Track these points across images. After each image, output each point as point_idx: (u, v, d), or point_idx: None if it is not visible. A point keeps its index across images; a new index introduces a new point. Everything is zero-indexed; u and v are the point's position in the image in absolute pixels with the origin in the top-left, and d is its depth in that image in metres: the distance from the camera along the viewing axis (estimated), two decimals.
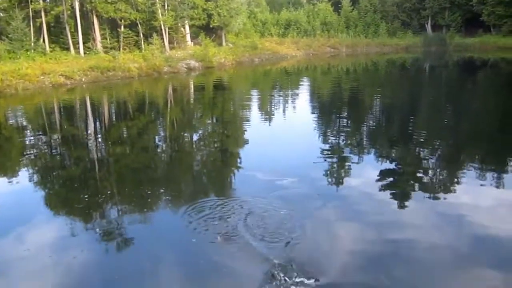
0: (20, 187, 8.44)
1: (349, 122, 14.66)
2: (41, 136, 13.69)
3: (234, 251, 5.42)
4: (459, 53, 41.79)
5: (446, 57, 40.14)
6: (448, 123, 13.80)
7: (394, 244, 5.56)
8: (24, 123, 16.64)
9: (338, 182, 8.13)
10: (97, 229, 6.22)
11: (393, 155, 10.12)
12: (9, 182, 8.92)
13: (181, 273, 5.17)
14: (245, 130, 13.51)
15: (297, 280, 4.62)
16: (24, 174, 9.51)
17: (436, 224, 6.10)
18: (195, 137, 13.32)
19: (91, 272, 5.22)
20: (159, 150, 11.92)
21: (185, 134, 13.81)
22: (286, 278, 4.65)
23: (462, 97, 18.40)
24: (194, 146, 12.19)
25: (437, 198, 7.09)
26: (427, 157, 9.65)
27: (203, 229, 5.94)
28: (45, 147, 12.20)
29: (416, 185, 7.69)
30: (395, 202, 6.98)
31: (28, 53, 29.09)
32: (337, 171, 8.81)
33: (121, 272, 5.20)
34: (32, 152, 11.59)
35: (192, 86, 26.61)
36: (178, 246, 5.77)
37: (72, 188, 8.47)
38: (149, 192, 7.67)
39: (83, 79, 26.59)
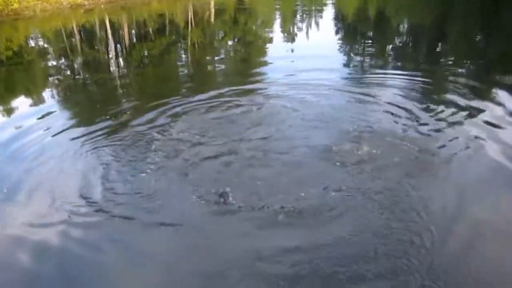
0: (46, 108, 8.48)
1: (375, 43, 14.17)
2: (63, 59, 13.61)
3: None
4: None
5: None
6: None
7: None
8: (45, 46, 16.53)
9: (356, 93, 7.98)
10: (124, 141, 6.23)
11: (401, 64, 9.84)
12: (35, 104, 8.99)
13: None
14: (267, 48, 13.32)
15: None
16: (49, 95, 9.57)
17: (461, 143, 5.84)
18: (216, 57, 13.10)
19: (115, 179, 5.26)
20: (180, 70, 11.80)
21: (207, 55, 13.56)
22: None
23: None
24: (215, 64, 12.05)
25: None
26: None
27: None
28: (68, 69, 12.17)
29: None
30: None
31: None
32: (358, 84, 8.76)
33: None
34: (55, 74, 11.58)
35: (212, 5, 25.73)
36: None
37: (96, 106, 8.52)
38: (171, 106, 7.61)
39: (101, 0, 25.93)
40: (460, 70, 9.78)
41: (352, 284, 3.40)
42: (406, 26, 17.77)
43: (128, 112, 7.56)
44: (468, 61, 10.83)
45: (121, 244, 4.11)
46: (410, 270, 3.46)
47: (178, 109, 7.41)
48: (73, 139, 6.52)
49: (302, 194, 4.54)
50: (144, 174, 5.21)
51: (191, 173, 5.16)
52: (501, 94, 7.54)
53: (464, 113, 6.70)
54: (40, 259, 3.98)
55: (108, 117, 7.32)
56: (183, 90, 8.98)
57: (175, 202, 4.61)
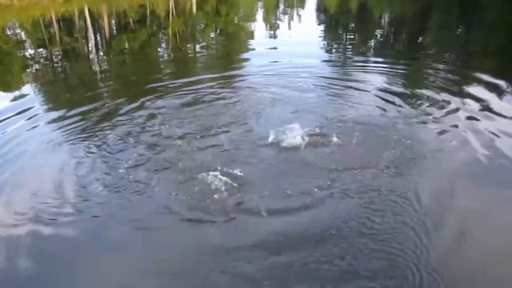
0: (22, 98, 8.25)
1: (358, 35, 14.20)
2: (41, 49, 13.33)
3: None
4: None
5: None
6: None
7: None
8: (23, 36, 16.16)
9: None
10: (100, 133, 5.98)
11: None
12: (11, 94, 8.77)
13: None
14: (249, 38, 13.23)
15: None
16: (26, 85, 9.34)
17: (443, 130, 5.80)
18: (198, 47, 12.98)
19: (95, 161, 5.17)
20: (161, 60, 11.66)
21: (189, 46, 13.43)
22: None
23: None
24: (197, 54, 11.95)
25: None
26: None
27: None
28: (46, 60, 11.92)
29: None
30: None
31: None
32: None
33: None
34: (33, 65, 11.33)
35: None
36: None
37: (74, 97, 8.29)
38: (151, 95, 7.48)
39: None
40: (442, 60, 9.87)
41: (345, 284, 3.24)
42: (388, 17, 17.85)
43: (106, 103, 7.37)
44: (449, 52, 10.95)
45: (93, 247, 3.79)
46: (406, 266, 3.33)
47: (158, 99, 7.27)
48: (49, 130, 6.31)
49: (289, 192, 4.30)
50: (119, 170, 4.93)
51: (169, 169, 4.87)
52: (481, 84, 7.64)
53: (448, 103, 6.71)
54: (11, 259, 3.67)
55: (86, 108, 7.12)
56: (164, 80, 8.85)
57: (151, 202, 4.30)
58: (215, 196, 4.25)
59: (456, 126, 5.83)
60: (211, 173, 4.56)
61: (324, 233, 3.71)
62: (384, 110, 6.47)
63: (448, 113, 6.34)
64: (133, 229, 3.96)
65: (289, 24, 16.86)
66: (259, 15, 19.34)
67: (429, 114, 6.29)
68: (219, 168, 4.65)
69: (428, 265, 3.33)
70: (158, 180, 4.65)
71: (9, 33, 16.70)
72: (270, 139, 5.40)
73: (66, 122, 6.52)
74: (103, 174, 4.87)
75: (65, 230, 4.00)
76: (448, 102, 6.76)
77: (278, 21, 17.23)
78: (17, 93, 8.78)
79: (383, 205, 4.08)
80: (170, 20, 17.97)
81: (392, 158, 4.90)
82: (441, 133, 5.64)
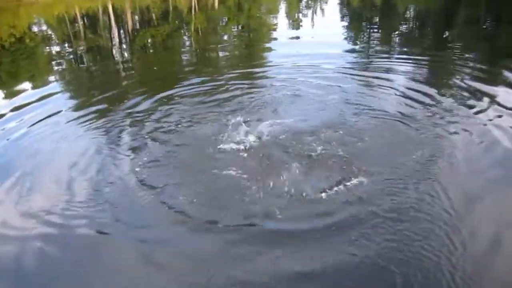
0: (44, 93, 8.28)
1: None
2: (66, 44, 13.48)
3: None
4: None
5: None
6: None
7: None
8: (49, 32, 16.38)
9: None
10: (115, 128, 5.83)
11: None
12: (38, 88, 8.86)
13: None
14: (271, 33, 13.12)
15: None
16: (50, 81, 9.43)
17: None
18: (220, 42, 12.92)
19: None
20: (183, 55, 11.62)
21: (211, 40, 13.39)
22: None
23: None
24: (219, 48, 11.87)
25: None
26: None
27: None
28: (71, 55, 12.04)
29: None
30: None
31: None
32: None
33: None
34: (58, 59, 11.46)
35: None
36: None
37: (94, 92, 8.22)
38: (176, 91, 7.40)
39: None
40: (468, 55, 9.56)
41: None
42: (412, 11, 17.51)
43: (127, 98, 7.20)
44: (476, 47, 10.62)
45: (87, 263, 3.42)
46: (440, 272, 3.05)
47: (179, 93, 7.16)
48: (62, 126, 6.14)
49: (304, 194, 3.93)
50: (130, 170, 4.62)
51: (184, 170, 4.52)
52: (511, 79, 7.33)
53: (475, 98, 6.36)
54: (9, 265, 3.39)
55: (106, 102, 7.04)
56: (186, 75, 8.76)
57: (163, 208, 3.92)
58: (231, 202, 3.89)
59: (494, 123, 5.40)
60: (226, 173, 4.29)
61: (348, 240, 3.39)
62: (417, 103, 6.16)
63: (484, 108, 5.93)
64: (140, 240, 3.60)
65: (312, 18, 16.69)
66: (282, 9, 19.17)
67: (466, 107, 5.94)
68: (234, 168, 4.35)
69: (463, 272, 3.05)
70: (172, 182, 4.31)
71: (35, 29, 16.96)
72: (290, 137, 5.05)
73: (83, 113, 6.48)
74: (114, 175, 4.57)
75: (68, 239, 3.66)
76: (485, 94, 6.40)
77: (301, 16, 17.07)
78: (40, 84, 8.94)
79: (413, 209, 3.72)
80: (193, 15, 17.97)
81: (423, 158, 4.51)
82: (477, 131, 5.19)
